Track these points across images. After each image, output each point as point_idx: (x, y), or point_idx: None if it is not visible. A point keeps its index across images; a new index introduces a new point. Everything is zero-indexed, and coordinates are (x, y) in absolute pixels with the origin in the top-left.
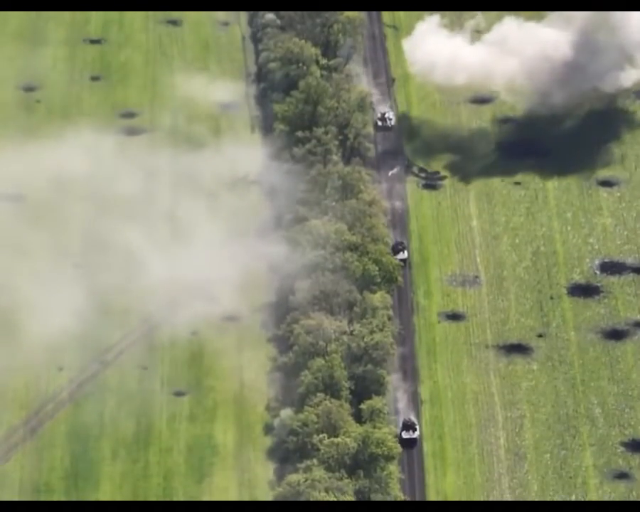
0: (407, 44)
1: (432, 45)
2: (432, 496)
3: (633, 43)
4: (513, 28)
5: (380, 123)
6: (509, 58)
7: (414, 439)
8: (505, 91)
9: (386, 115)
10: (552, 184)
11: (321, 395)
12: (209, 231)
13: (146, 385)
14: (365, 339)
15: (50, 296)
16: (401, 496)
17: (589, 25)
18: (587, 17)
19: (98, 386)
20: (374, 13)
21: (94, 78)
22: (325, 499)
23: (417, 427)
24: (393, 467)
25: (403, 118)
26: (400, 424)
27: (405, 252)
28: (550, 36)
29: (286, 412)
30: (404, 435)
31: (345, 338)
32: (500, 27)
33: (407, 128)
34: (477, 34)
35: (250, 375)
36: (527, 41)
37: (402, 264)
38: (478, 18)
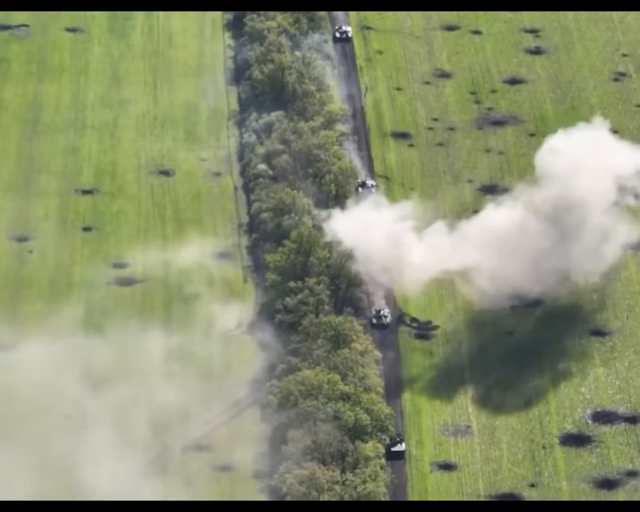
0: None
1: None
2: None
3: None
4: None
5: (375, 321)
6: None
7: None
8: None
9: (381, 312)
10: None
11: None
12: (201, 384)
13: None
14: (358, 489)
15: None
16: None
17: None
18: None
19: None
20: (366, 161)
21: (86, 229)
22: None
23: None
24: None
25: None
26: None
27: (403, 444)
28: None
29: None
30: None
31: (337, 487)
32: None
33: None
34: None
35: None
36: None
37: (398, 452)
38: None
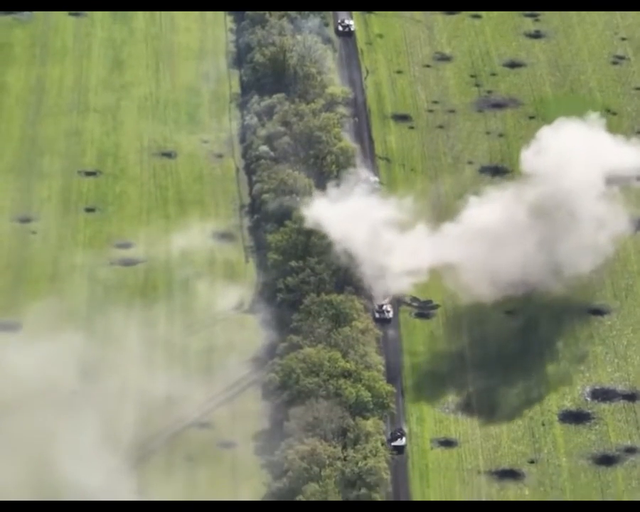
0: None
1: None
2: None
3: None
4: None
5: (377, 315)
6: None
7: None
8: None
9: (384, 307)
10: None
11: None
12: (204, 360)
13: None
14: (359, 464)
15: None
16: None
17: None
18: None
19: None
20: (367, 144)
21: (89, 210)
22: None
23: None
24: None
25: None
26: None
27: (404, 438)
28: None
29: None
30: None
31: (338, 463)
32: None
33: None
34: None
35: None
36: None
37: (399, 447)
38: None
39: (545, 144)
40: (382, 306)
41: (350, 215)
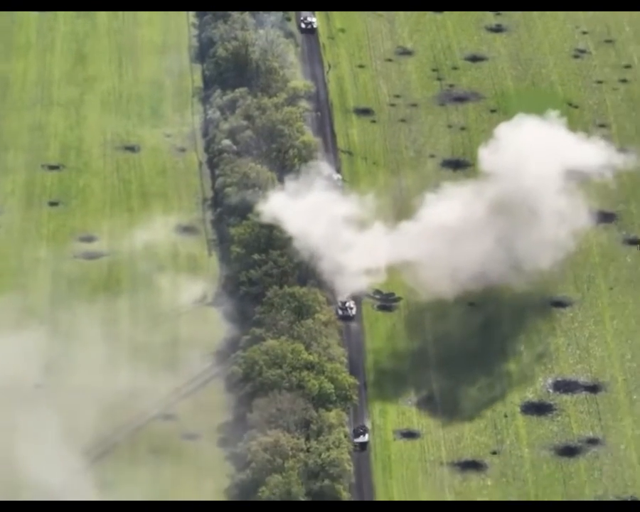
0: None
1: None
2: None
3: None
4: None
5: (340, 312)
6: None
7: None
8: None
9: (347, 304)
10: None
11: None
12: (166, 353)
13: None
14: (322, 456)
15: None
16: None
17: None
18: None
19: None
20: (329, 138)
21: (53, 203)
22: None
23: None
24: None
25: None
26: None
27: (367, 435)
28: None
29: None
30: None
31: (301, 454)
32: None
33: None
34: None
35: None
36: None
37: (362, 443)
38: None
39: (503, 142)
40: (345, 303)
41: (309, 211)
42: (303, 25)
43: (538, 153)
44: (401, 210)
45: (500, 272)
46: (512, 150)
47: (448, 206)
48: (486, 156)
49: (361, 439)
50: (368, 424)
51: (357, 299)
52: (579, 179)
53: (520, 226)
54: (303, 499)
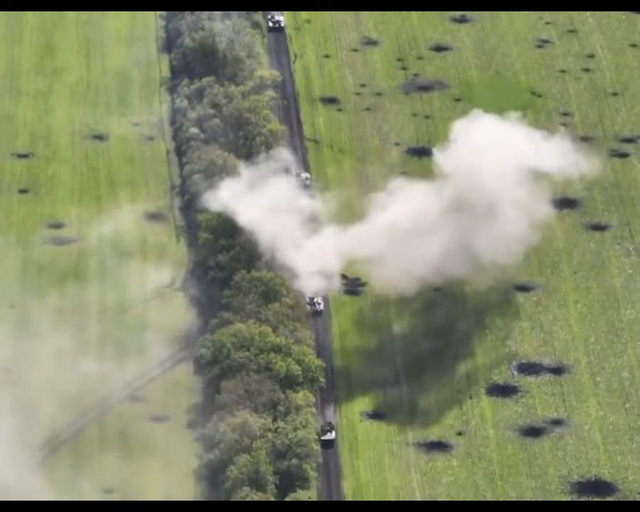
0: None
1: None
2: None
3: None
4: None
5: (308, 308)
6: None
7: None
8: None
9: (315, 300)
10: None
11: (246, 489)
12: (135, 337)
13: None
14: (289, 436)
15: None
16: None
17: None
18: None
19: None
20: (296, 126)
21: (22, 191)
22: None
23: None
24: None
25: None
26: None
27: (333, 432)
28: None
29: None
30: None
31: (269, 435)
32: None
33: None
34: None
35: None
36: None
37: (328, 441)
38: None
39: (458, 141)
40: (312, 298)
41: (265, 206)
42: (270, 24)
43: (494, 151)
44: (369, 190)
45: (459, 268)
46: (467, 149)
47: (404, 205)
48: (441, 157)
49: (328, 436)
50: (335, 409)
51: (326, 296)
52: (535, 175)
53: (477, 223)
54: (271, 479)
